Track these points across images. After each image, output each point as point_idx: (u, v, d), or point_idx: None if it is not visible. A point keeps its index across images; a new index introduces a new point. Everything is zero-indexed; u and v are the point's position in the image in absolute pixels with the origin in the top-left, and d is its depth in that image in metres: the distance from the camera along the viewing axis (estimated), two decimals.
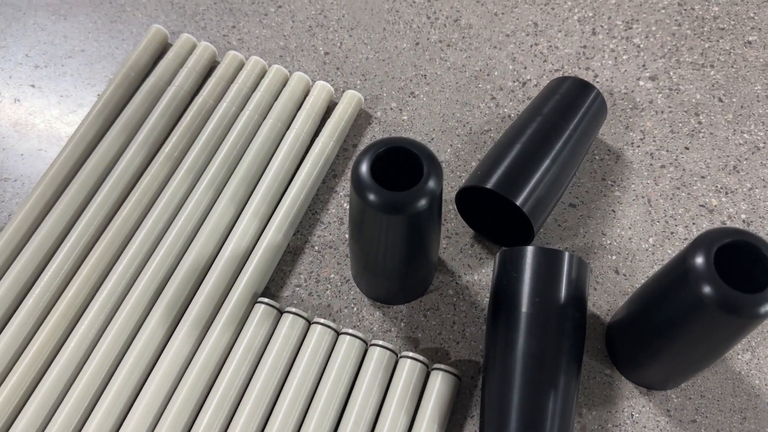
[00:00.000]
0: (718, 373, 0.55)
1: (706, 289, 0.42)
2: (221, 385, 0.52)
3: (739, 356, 0.56)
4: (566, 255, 0.51)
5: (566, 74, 0.70)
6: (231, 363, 0.53)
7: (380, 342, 0.53)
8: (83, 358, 0.54)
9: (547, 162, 0.56)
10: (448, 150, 0.66)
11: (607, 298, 0.58)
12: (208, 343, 0.54)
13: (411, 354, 0.53)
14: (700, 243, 0.43)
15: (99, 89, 0.70)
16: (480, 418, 0.49)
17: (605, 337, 0.57)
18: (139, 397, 0.52)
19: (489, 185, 0.55)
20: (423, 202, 0.44)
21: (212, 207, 0.60)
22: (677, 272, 0.44)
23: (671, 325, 0.46)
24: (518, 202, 0.54)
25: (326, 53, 0.72)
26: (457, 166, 0.65)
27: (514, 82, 0.70)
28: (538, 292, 0.50)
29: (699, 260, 0.43)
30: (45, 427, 0.51)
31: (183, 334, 0.54)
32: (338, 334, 0.55)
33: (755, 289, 0.42)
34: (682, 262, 0.44)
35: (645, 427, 0.53)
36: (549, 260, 0.51)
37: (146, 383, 0.53)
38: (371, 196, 0.44)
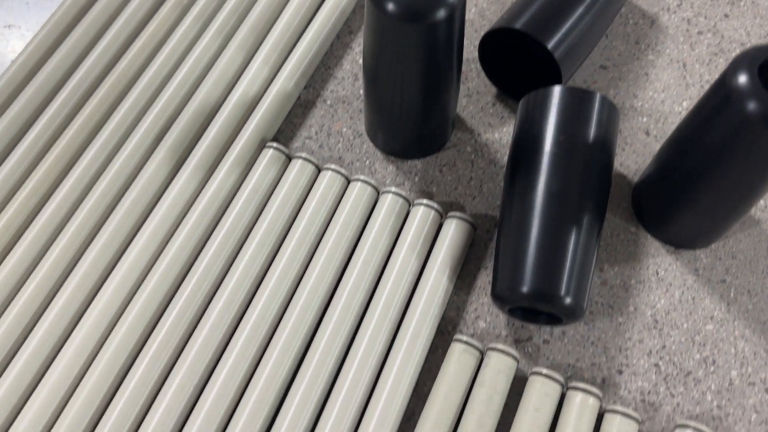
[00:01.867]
0: (751, 235, 0.51)
1: (752, 106, 0.38)
2: (224, 228, 0.49)
3: None
4: (597, 95, 0.47)
5: None
6: (236, 205, 0.50)
7: (393, 189, 0.50)
8: (82, 194, 0.51)
9: (580, 10, 0.52)
10: (473, 9, 0.62)
11: (636, 158, 0.54)
12: (212, 185, 0.51)
13: (425, 201, 0.50)
14: (740, 61, 0.39)
15: None
16: (494, 263, 0.46)
17: (632, 197, 0.53)
18: (139, 233, 0.49)
19: (518, 26, 0.51)
20: (441, 13, 0.41)
21: (221, 53, 0.57)
22: (716, 97, 0.41)
23: (710, 159, 0.42)
24: (549, 46, 0.50)
25: None
26: (481, 26, 0.61)
27: None
28: (564, 131, 0.46)
29: (742, 78, 0.39)
30: (51, 245, 0.49)
31: (187, 174, 0.51)
32: (349, 181, 0.52)
33: None
34: (721, 85, 0.40)
35: (671, 284, 0.49)
36: (577, 100, 0.47)
37: (147, 220, 0.50)
38: (389, 5, 0.41)
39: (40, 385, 0.44)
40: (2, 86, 0.55)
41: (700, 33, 0.60)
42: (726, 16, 0.61)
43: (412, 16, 0.40)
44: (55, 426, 0.43)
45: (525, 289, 0.43)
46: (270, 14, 0.58)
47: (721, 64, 0.58)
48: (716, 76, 0.58)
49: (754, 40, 0.59)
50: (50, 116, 0.54)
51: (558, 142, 0.46)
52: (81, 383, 0.44)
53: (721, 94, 0.40)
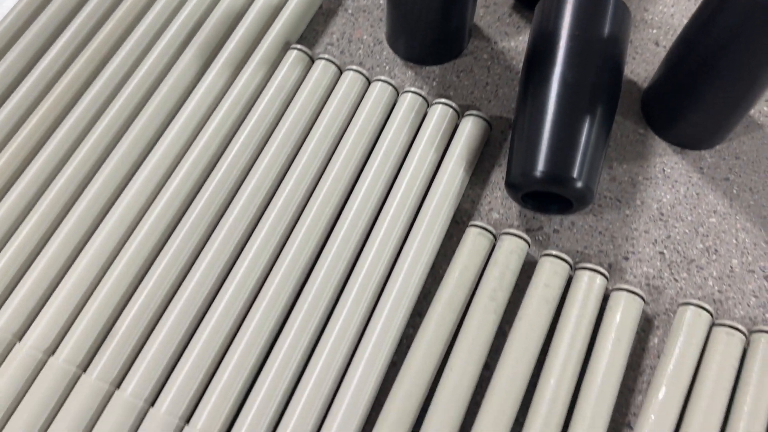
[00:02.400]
0: (754, 138, 0.53)
1: None
2: (249, 124, 0.51)
3: None
4: None
5: None
6: (260, 103, 0.52)
7: (412, 89, 0.52)
8: (115, 90, 0.53)
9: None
10: None
11: (645, 67, 0.56)
12: (239, 83, 0.53)
13: (443, 100, 0.52)
14: None
15: None
16: (509, 155, 0.48)
17: (641, 102, 0.55)
18: (168, 128, 0.51)
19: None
20: None
21: None
22: None
23: (715, 51, 0.44)
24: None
25: None
26: None
27: None
28: (579, 27, 0.48)
29: None
30: (76, 147, 0.51)
31: (215, 72, 0.53)
32: (370, 82, 0.54)
33: None
34: None
35: (677, 181, 0.52)
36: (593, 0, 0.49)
37: (176, 115, 0.52)
38: None
39: (54, 293, 0.46)
40: None
41: None
42: None
43: None
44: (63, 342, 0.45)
45: (539, 172, 0.45)
46: None
47: None
48: None
49: None
50: (85, 16, 0.56)
51: (573, 36, 0.48)
52: (98, 287, 0.46)
53: None
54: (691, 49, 0.47)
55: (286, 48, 0.55)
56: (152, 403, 0.43)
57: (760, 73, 0.44)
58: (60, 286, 0.45)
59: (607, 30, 0.48)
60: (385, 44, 0.58)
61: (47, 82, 0.54)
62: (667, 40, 0.57)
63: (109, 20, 0.56)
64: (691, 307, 0.45)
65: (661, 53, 0.57)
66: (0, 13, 0.58)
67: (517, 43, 0.57)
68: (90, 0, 0.56)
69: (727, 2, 0.42)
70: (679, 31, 0.57)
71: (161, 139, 0.51)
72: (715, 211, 0.50)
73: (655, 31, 0.58)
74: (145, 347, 0.44)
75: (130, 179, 0.50)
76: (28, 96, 0.53)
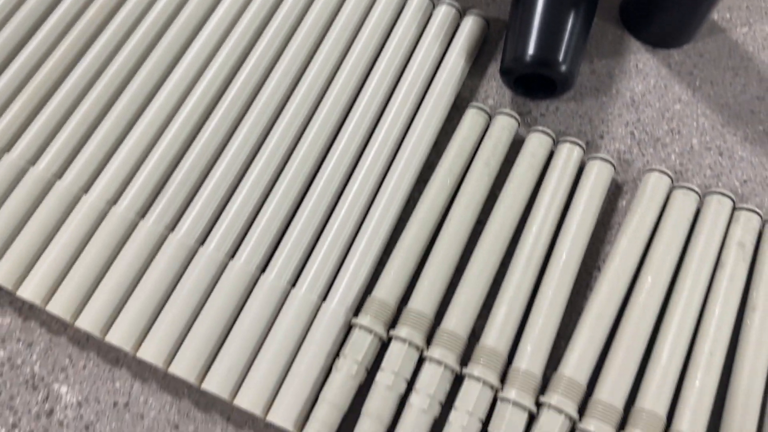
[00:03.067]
0: (716, 40, 0.61)
1: None
2: (278, 18, 0.59)
3: (737, 29, 0.61)
4: None
5: None
6: (283, 8, 0.59)
7: None
8: None
9: None
10: None
11: None
12: None
13: (447, 1, 0.59)
14: None
15: None
16: (503, 47, 0.56)
17: (619, 7, 0.62)
18: (200, 33, 0.59)
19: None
20: None
21: None
22: None
23: None
24: None
25: None
26: None
27: None
28: None
29: None
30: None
31: None
32: None
33: None
34: None
35: (648, 74, 0.59)
36: None
37: (207, 19, 0.59)
38: None
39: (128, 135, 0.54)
40: None
41: None
42: None
43: None
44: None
45: (529, 56, 0.53)
46: None
47: None
48: None
49: None
50: None
51: None
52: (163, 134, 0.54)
53: None
54: None
55: None
56: (202, 243, 0.51)
57: None
58: (123, 143, 0.53)
59: None
60: None
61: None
62: None
63: None
64: (655, 173, 0.53)
65: None
66: None
67: None
68: None
69: None
70: None
71: (199, 34, 0.58)
72: (679, 100, 0.58)
73: None
74: (197, 195, 0.52)
75: (172, 68, 0.58)
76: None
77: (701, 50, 0.60)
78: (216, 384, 0.46)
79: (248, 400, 0.46)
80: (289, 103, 0.55)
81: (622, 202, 0.54)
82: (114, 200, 0.52)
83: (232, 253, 0.51)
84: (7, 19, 0.59)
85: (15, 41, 0.58)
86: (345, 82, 0.56)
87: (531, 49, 0.53)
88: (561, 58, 0.52)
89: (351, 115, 0.55)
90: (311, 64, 0.57)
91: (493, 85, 0.59)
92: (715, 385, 0.46)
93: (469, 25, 0.58)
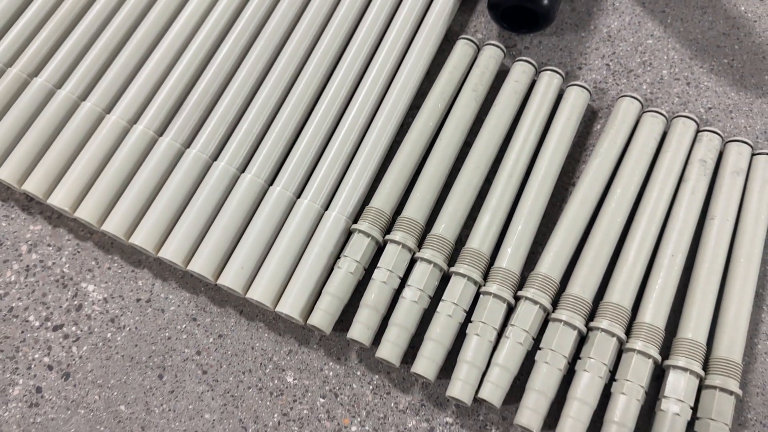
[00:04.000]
0: None
1: None
2: None
3: None
4: None
5: None
6: None
7: None
8: None
9: None
10: None
11: None
12: None
13: None
14: None
15: None
16: None
17: None
18: None
19: None
20: None
21: None
22: None
23: None
24: None
25: None
26: None
27: None
28: None
29: None
30: None
31: None
32: None
33: None
34: None
35: (623, 12, 0.64)
36: None
37: None
38: None
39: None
40: None
41: None
42: None
43: None
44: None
45: None
46: None
47: None
48: None
49: None
50: None
51: None
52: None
53: None
54: None
55: None
56: (215, 158, 0.56)
57: None
58: (142, 68, 0.58)
59: None
60: None
61: None
62: None
63: None
64: (627, 98, 0.58)
65: None
66: None
67: None
68: None
69: None
70: None
71: None
72: (652, 35, 0.63)
73: None
74: (210, 115, 0.56)
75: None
76: None
77: None
78: (230, 279, 0.51)
79: (259, 294, 0.51)
80: (295, 30, 0.60)
81: (597, 126, 0.59)
82: (134, 119, 0.57)
83: (243, 167, 0.56)
84: None
85: None
86: (346, 12, 0.60)
87: None
88: None
89: (351, 43, 0.60)
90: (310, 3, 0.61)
91: (481, 21, 0.64)
92: (675, 283, 0.51)
93: None
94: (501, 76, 0.60)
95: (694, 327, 0.50)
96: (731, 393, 0.47)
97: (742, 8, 0.64)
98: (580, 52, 0.62)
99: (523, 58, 0.58)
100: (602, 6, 0.64)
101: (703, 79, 0.61)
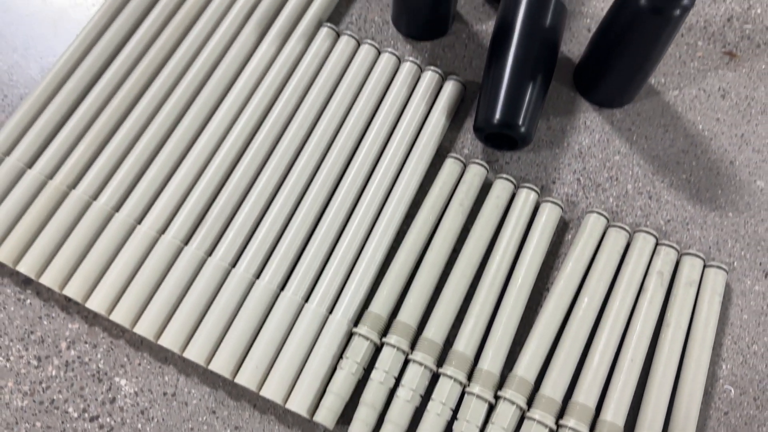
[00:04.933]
0: (652, 101, 0.73)
1: (643, 1, 0.59)
2: (292, 82, 0.70)
3: (670, 92, 0.74)
4: None
5: None
6: (301, 67, 0.71)
7: (410, 59, 0.72)
8: (195, 53, 0.72)
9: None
10: None
11: (579, 47, 0.76)
12: (285, 51, 0.72)
13: (432, 68, 0.71)
14: None
15: None
16: (477, 106, 0.68)
17: (573, 73, 0.75)
18: (237, 80, 0.71)
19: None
20: None
21: None
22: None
23: (618, 41, 0.64)
24: None
25: None
26: None
27: None
28: (529, 17, 0.67)
29: None
30: (169, 95, 0.70)
31: (268, 42, 0.72)
32: (380, 52, 0.73)
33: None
34: None
35: (594, 130, 0.72)
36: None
37: (241, 72, 0.71)
38: None
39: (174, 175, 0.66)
40: None
41: None
42: None
43: None
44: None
45: (496, 119, 0.65)
46: None
47: None
48: None
49: None
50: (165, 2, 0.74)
51: (524, 24, 0.67)
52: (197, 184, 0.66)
53: None
54: (605, 36, 0.66)
55: (319, 25, 0.74)
56: (233, 265, 0.63)
57: (649, 56, 0.64)
58: (168, 184, 0.65)
59: (547, 22, 0.68)
60: (391, 24, 0.77)
61: (138, 54, 0.72)
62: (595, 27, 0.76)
63: (184, 3, 0.74)
64: (594, 214, 0.65)
65: None
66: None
67: (487, 27, 0.77)
68: None
69: (624, 7, 0.62)
70: None
71: (232, 88, 0.70)
72: (619, 152, 0.71)
73: (588, 20, 0.77)
74: (229, 226, 0.64)
75: (210, 118, 0.69)
76: (128, 59, 0.72)
77: (639, 110, 0.73)
78: (246, 378, 0.58)
79: (271, 391, 0.58)
80: (303, 151, 0.67)
81: (568, 236, 0.67)
82: (162, 229, 0.64)
83: (258, 274, 0.63)
84: (72, 71, 0.70)
85: (78, 92, 0.69)
86: (349, 134, 0.68)
87: (497, 114, 0.65)
88: (521, 122, 0.64)
89: (353, 162, 0.67)
90: (322, 118, 0.69)
91: (468, 137, 0.71)
92: (634, 384, 0.59)
93: (450, 88, 0.71)
94: (485, 187, 0.68)
95: (648, 425, 0.58)
96: None
97: (700, 126, 0.72)
98: (555, 167, 0.70)
99: (504, 175, 0.66)
100: (575, 124, 0.72)
101: (664, 194, 0.69)
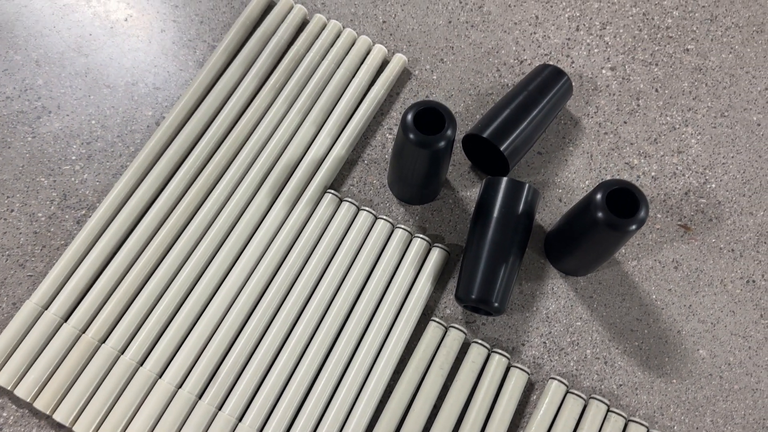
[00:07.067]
0: (612, 271, 0.82)
1: (599, 215, 0.68)
2: (300, 243, 0.79)
3: (629, 262, 0.83)
4: (526, 185, 0.77)
5: (552, 60, 0.94)
6: (307, 230, 0.80)
7: (402, 226, 0.81)
8: (215, 215, 0.81)
9: (525, 123, 0.82)
10: (461, 105, 0.91)
11: (550, 217, 0.85)
12: (293, 216, 0.81)
13: (420, 235, 0.80)
14: (599, 186, 0.70)
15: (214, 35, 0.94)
16: (458, 277, 0.77)
17: (544, 240, 0.84)
18: (249, 243, 0.79)
19: (485, 135, 0.80)
20: (442, 143, 0.70)
21: (300, 126, 0.86)
22: (586, 204, 0.71)
23: (581, 235, 0.73)
24: (502, 149, 0.80)
25: (384, 21, 0.96)
26: (466, 117, 0.90)
27: (515, 60, 0.94)
28: (505, 204, 0.77)
29: (598, 197, 0.69)
30: (197, 245, 0.79)
31: (279, 207, 0.81)
32: (376, 218, 0.82)
33: (628, 215, 0.68)
34: (589, 197, 0.70)
35: (560, 296, 0.81)
36: (515, 187, 0.77)
37: (254, 235, 0.80)
38: (411, 136, 0.70)
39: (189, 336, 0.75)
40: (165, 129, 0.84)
41: (605, 133, 0.90)
42: (625, 122, 0.91)
43: (424, 145, 0.70)
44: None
45: (474, 295, 0.74)
46: (332, 100, 0.87)
47: (615, 157, 0.88)
48: (610, 165, 0.88)
49: (640, 140, 0.89)
50: (190, 162, 0.83)
51: (500, 210, 0.76)
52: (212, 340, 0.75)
53: (587, 202, 0.71)
54: (568, 228, 0.75)
55: (324, 191, 0.83)
56: (240, 419, 0.72)
57: (607, 251, 0.73)
58: (185, 342, 0.74)
59: (521, 207, 0.77)
60: (387, 187, 0.86)
61: (163, 216, 0.81)
62: (567, 198, 0.86)
63: (205, 169, 0.83)
64: (555, 381, 0.74)
65: (562, 208, 0.85)
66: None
67: (471, 193, 0.86)
68: (192, 153, 0.83)
69: (586, 213, 0.71)
70: (576, 192, 0.86)
71: (244, 253, 0.79)
72: (581, 318, 0.80)
73: (560, 190, 0.86)
74: (237, 382, 0.72)
75: (227, 274, 0.78)
76: (153, 222, 0.80)
77: (600, 278, 0.82)
78: None
79: None
80: (302, 316, 0.76)
81: (534, 396, 0.76)
82: (180, 384, 0.73)
83: (261, 428, 0.71)
84: (95, 240, 0.79)
85: (106, 253, 0.78)
86: (345, 297, 0.77)
87: (475, 291, 0.74)
88: (494, 298, 0.73)
89: (348, 323, 0.76)
90: (321, 282, 0.78)
91: (450, 298, 0.80)
92: None
93: (436, 255, 0.80)
94: (464, 346, 0.77)
95: None
96: None
97: (654, 296, 0.81)
98: (524, 330, 0.79)
99: (478, 341, 0.75)
100: (544, 289, 0.81)
101: (617, 359, 0.78)
